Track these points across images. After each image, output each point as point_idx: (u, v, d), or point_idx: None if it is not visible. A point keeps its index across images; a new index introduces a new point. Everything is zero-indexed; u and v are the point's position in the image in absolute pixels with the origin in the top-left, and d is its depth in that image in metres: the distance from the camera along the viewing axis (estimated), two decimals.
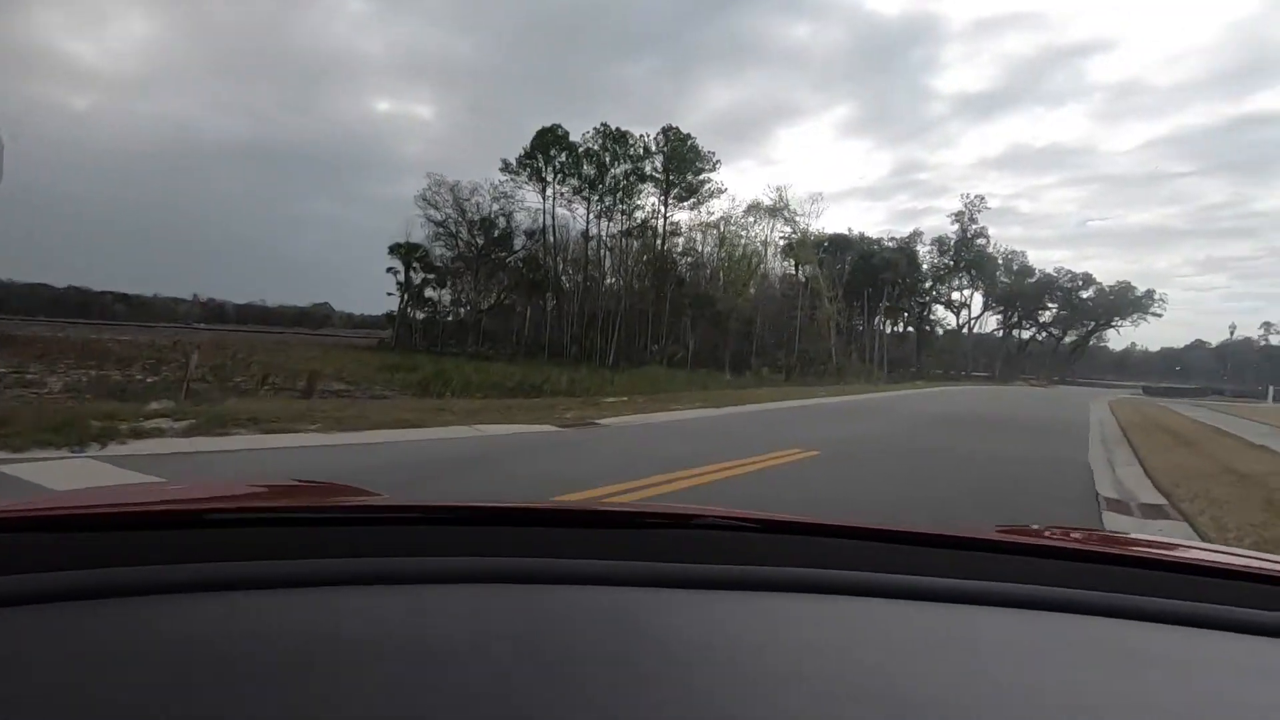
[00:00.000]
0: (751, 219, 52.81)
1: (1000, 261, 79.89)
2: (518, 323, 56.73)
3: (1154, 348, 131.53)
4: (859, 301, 61.46)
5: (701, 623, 0.65)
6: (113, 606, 0.59)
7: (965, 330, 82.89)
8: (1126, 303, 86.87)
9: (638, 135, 53.11)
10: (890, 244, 69.05)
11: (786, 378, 37.28)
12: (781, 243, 55.75)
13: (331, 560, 0.70)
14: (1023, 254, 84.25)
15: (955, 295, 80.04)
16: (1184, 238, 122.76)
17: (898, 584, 0.76)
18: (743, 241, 53.41)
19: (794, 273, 57.13)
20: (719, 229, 53.01)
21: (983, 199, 78.29)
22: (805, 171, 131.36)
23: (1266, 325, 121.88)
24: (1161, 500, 7.11)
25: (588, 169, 53.22)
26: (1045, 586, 0.78)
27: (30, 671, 0.50)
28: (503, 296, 57.66)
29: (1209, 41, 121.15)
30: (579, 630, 0.62)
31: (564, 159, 53.71)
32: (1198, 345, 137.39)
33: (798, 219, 52.39)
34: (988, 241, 76.85)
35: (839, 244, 61.90)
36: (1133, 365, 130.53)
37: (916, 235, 73.35)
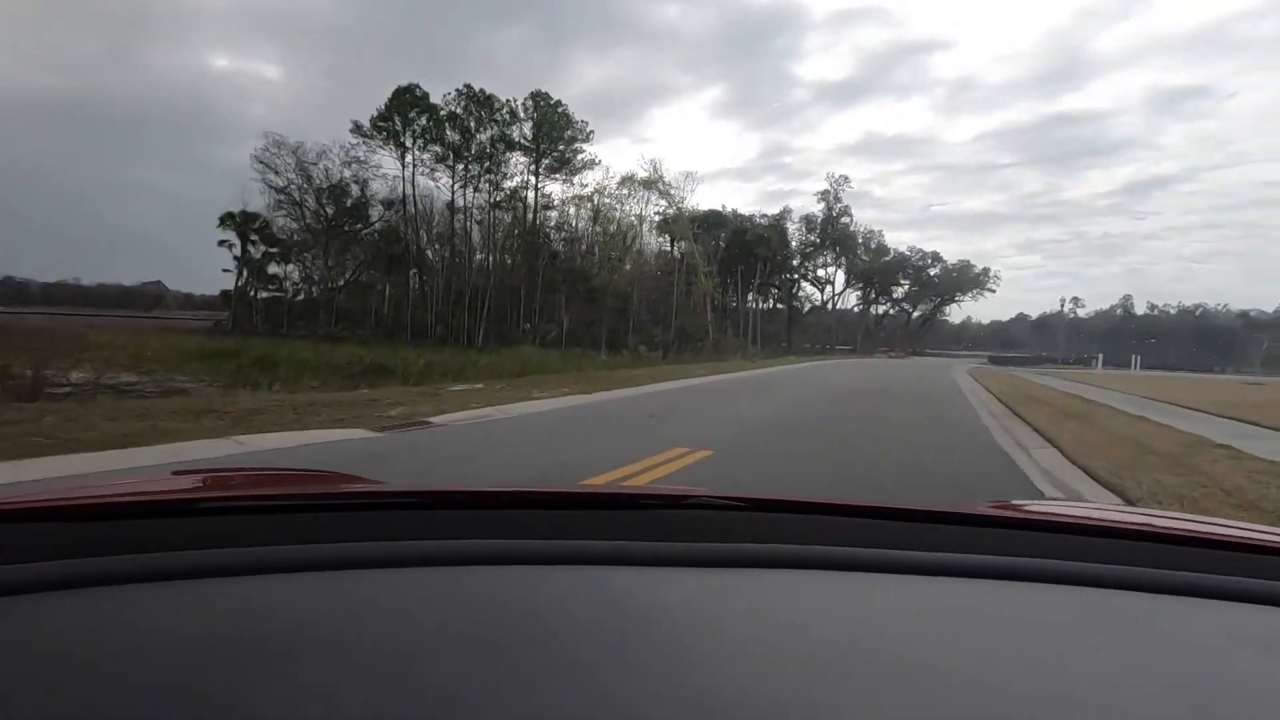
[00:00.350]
0: (626, 192, 50.78)
1: (860, 240, 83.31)
2: (376, 301, 51.70)
3: (985, 320, 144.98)
4: (733, 278, 61.56)
5: (694, 599, 0.66)
6: (107, 595, 0.60)
7: (829, 306, 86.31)
8: (967, 279, 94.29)
9: (504, 100, 49.51)
10: (762, 221, 69.67)
11: (664, 356, 35.91)
12: (657, 218, 54.31)
13: (322, 545, 0.70)
14: (880, 233, 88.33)
15: (821, 273, 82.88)
16: (1007, 222, 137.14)
17: (891, 559, 0.77)
18: (618, 216, 51.45)
19: (670, 249, 56.05)
20: (593, 202, 50.73)
21: (846, 178, 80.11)
22: (678, 151, 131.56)
23: (1075, 300, 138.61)
24: (1114, 497, 5.88)
25: (451, 134, 48.93)
26: (1040, 559, 0.79)
27: (23, 660, 0.50)
28: (359, 273, 52.27)
29: (1031, 45, 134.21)
30: (572, 610, 0.62)
31: (425, 122, 49.06)
32: (1020, 318, 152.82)
33: (672, 193, 50.94)
34: (851, 220, 79.01)
35: (713, 220, 61.35)
36: (969, 336, 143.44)
37: (786, 213, 73.97)
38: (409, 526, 0.76)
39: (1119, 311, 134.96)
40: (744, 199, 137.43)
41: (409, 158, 49.47)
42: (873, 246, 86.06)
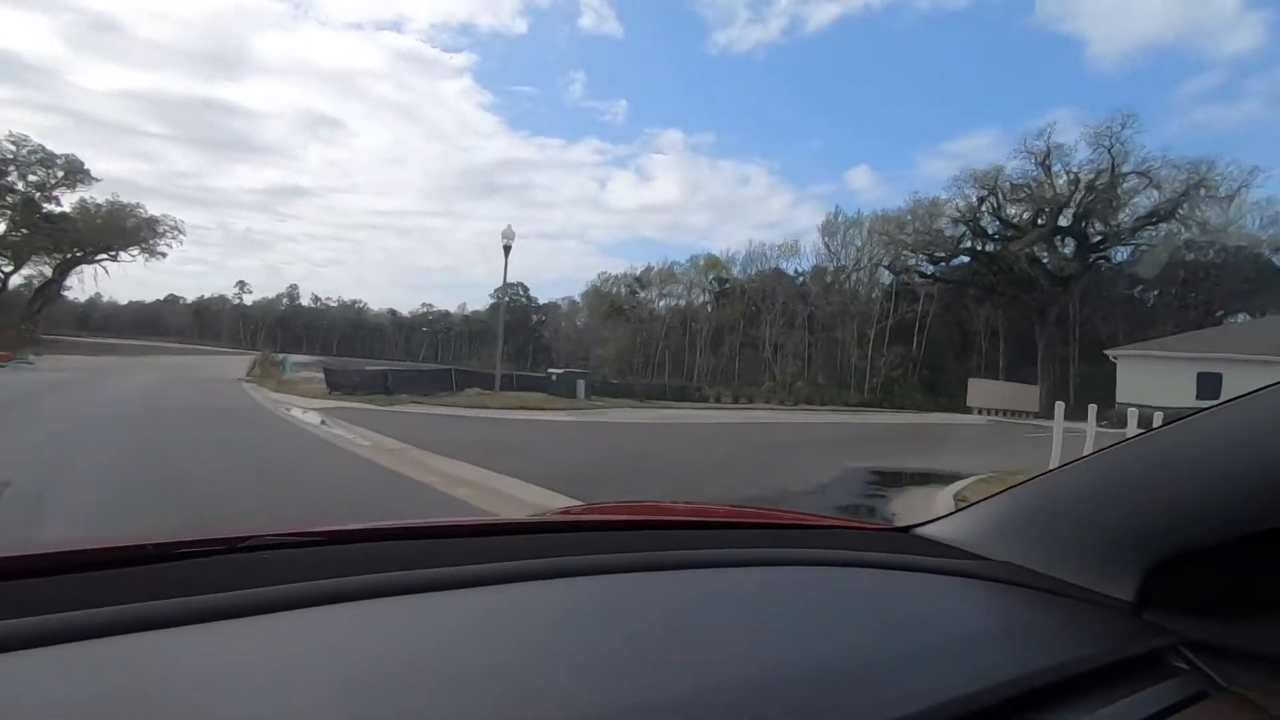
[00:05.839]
0: None
1: None
2: None
3: (123, 300, 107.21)
4: None
5: (242, 652, 0.58)
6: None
7: None
8: (123, 228, 55.09)
9: None
10: None
11: None
12: None
13: None
14: None
15: None
16: (153, 195, 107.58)
17: (469, 574, 0.76)
18: None
19: None
20: None
21: None
22: None
23: (243, 285, 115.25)
24: None
25: None
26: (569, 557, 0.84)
27: None
28: None
29: (191, 14, 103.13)
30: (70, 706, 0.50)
31: None
32: (173, 301, 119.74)
33: None
34: None
35: None
36: (99, 320, 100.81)
37: None
38: None
39: (286, 301, 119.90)
40: None
41: None
42: None
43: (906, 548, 1.02)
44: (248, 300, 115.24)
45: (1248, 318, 35.05)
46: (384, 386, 18.33)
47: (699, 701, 0.57)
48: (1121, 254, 38.02)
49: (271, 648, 0.60)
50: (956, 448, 14.27)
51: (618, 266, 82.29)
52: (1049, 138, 36.94)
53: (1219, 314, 36.53)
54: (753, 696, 0.59)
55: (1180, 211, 35.14)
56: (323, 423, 11.95)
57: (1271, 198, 36.42)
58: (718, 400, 24.79)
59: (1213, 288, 36.19)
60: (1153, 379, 22.57)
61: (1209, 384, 20.74)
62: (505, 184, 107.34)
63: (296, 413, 13.84)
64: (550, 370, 21.87)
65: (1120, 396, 23.82)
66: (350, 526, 0.81)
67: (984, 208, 39.34)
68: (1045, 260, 37.51)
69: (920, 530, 1.09)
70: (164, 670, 0.55)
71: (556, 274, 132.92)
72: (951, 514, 1.10)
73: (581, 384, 19.62)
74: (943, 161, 75.77)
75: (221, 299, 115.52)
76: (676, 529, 1.09)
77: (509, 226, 17.32)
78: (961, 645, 0.73)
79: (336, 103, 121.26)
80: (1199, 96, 57.21)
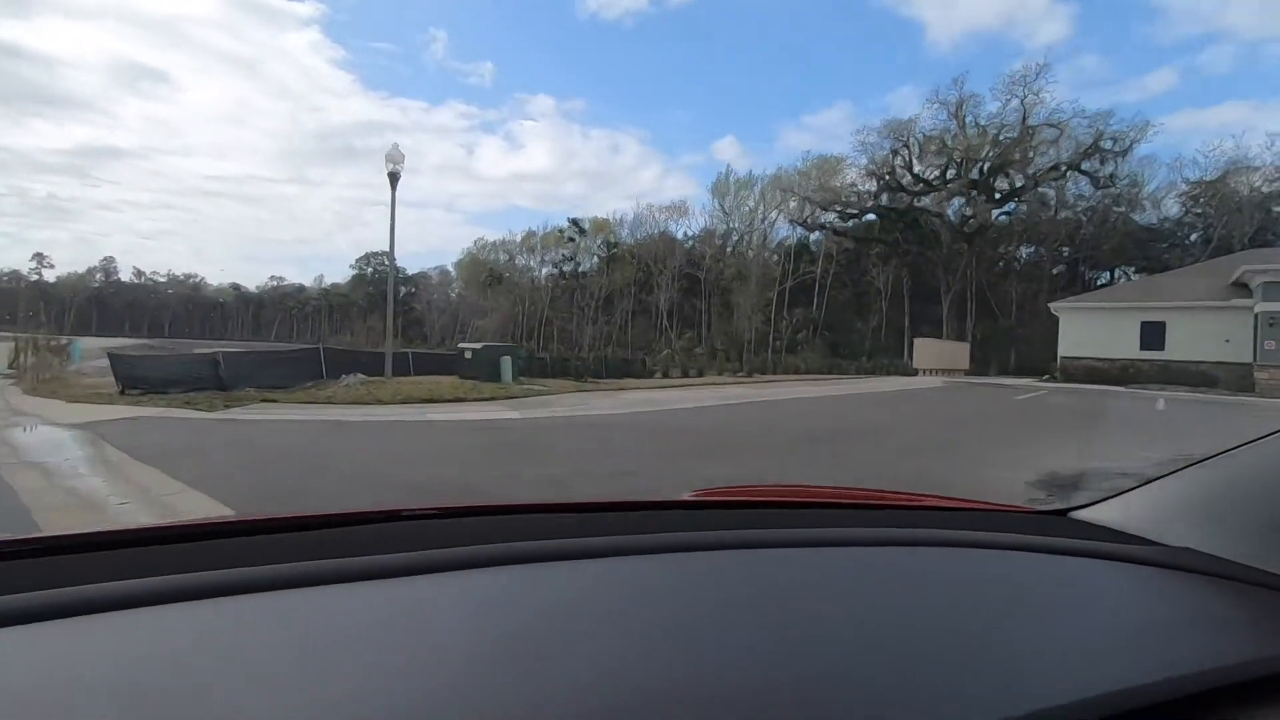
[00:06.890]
0: None
1: None
2: None
3: None
4: None
5: (403, 607, 0.65)
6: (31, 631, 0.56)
7: None
8: None
9: None
10: None
11: None
12: None
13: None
14: None
15: None
16: None
17: (570, 547, 0.79)
18: None
19: None
20: None
21: None
22: None
23: (40, 257, 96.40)
24: None
25: None
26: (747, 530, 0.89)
27: None
28: None
29: None
30: (254, 640, 0.58)
31: None
32: None
33: None
34: None
35: None
36: None
37: None
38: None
39: (100, 277, 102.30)
40: None
41: None
42: None
43: (1065, 532, 0.95)
44: (50, 276, 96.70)
45: (1108, 277, 37.16)
46: (215, 378, 12.28)
47: (833, 681, 0.56)
48: (1011, 209, 38.78)
49: (428, 603, 0.66)
50: (1061, 427, 11.50)
51: (490, 236, 77.28)
52: (962, 87, 36.67)
53: (1084, 272, 38.51)
54: (896, 678, 0.57)
55: (1084, 166, 35.97)
56: (63, 461, 5.97)
57: (1153, 155, 38.54)
58: (666, 374, 21.43)
59: (1083, 247, 37.88)
60: (1096, 331, 22.14)
61: (1153, 333, 20.54)
62: (364, 148, 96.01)
63: (26, 436, 7.67)
64: (463, 346, 16.55)
65: (1063, 350, 23.38)
66: (496, 502, 0.92)
67: (897, 161, 38.50)
68: (952, 216, 37.47)
69: (1078, 514, 1.00)
70: (342, 618, 0.61)
71: (423, 245, 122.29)
72: (1111, 497, 1.01)
73: (508, 362, 15.06)
74: (803, 134, 76.87)
75: (15, 275, 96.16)
76: (821, 508, 1.07)
77: (395, 147, 12.82)
78: (1139, 635, 0.68)
79: (159, 53, 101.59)
80: (1020, 81, 62.65)
